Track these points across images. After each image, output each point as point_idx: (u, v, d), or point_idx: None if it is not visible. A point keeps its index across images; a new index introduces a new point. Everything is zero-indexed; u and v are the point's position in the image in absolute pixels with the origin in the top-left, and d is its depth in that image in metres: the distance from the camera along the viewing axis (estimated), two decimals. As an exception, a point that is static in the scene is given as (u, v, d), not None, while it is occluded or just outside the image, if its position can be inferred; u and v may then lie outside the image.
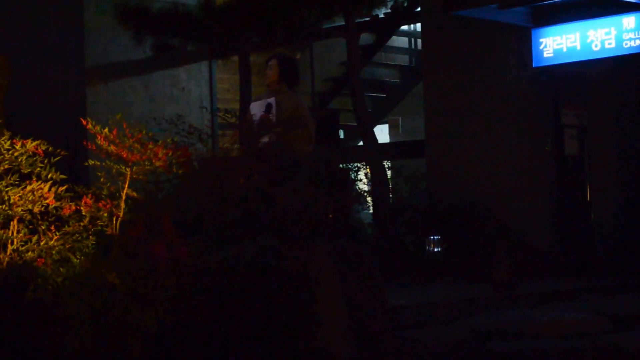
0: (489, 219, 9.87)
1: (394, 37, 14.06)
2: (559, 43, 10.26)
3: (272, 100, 7.49)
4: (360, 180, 10.81)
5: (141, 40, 11.12)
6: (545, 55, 10.38)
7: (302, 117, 7.53)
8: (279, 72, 7.70)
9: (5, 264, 5.07)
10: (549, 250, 10.24)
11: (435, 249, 10.13)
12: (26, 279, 5.07)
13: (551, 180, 10.52)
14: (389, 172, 10.88)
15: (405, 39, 15.02)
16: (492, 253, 8.72)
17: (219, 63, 12.63)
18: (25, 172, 5.32)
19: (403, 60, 15.08)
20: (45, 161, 5.39)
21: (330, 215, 6.28)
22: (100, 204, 5.37)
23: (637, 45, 9.73)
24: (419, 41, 13.68)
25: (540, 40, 10.39)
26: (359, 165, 10.86)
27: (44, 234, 5.35)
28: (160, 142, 5.50)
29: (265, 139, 6.75)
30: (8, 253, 5.15)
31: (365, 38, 12.71)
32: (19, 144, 5.25)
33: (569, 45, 10.19)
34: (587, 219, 10.44)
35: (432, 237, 10.12)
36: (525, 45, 10.51)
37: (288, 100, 7.56)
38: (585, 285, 9.31)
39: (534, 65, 10.46)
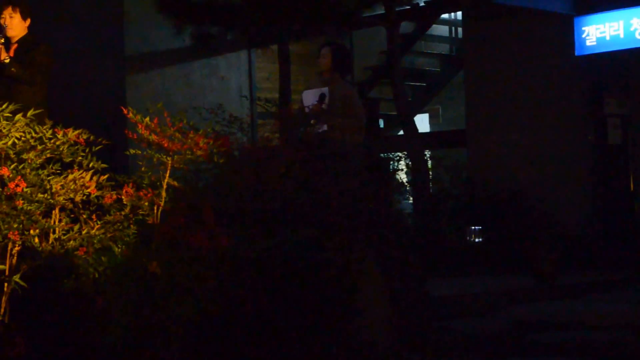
0: (531, 209, 9.80)
1: (434, 26, 13.96)
2: (602, 31, 10.14)
3: (325, 90, 7.42)
4: (401, 170, 10.75)
5: (181, 30, 11.12)
6: (587, 43, 10.26)
7: (354, 107, 7.49)
8: (332, 60, 7.63)
9: (47, 252, 5.09)
10: (591, 241, 10.14)
11: (477, 240, 10.07)
12: (67, 268, 5.08)
13: (594, 170, 10.43)
14: (429, 162, 10.82)
15: (446, 28, 14.92)
16: (534, 243, 8.65)
17: (258, 52, 12.60)
18: (67, 161, 5.33)
19: (443, 48, 14.99)
20: (87, 150, 5.40)
21: (371, 206, 6.25)
22: (141, 193, 5.37)
23: (682, 33, 9.61)
24: (460, 29, 13.60)
25: (583, 28, 10.28)
26: (399, 155, 10.81)
27: (86, 223, 5.36)
28: (201, 131, 5.49)
29: (320, 129, 6.73)
30: (50, 242, 5.16)
31: (406, 26, 12.64)
32: (61, 133, 5.26)
33: (612, 33, 10.07)
34: (631, 209, 10.34)
35: (473, 228, 10.07)
36: (567, 34, 10.40)
37: (341, 90, 7.51)
38: (629, 276, 9.22)
39: (576, 54, 10.35)
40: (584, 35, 10.28)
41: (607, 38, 10.11)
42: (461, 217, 10.20)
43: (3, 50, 6.87)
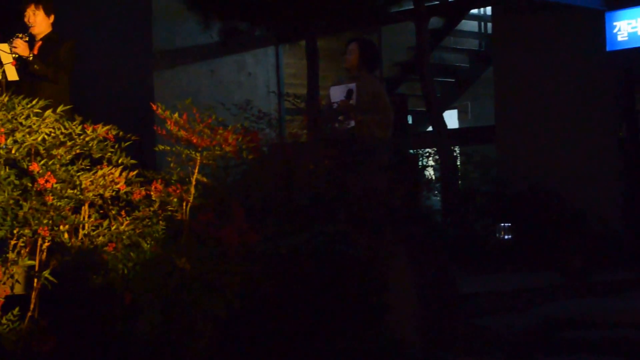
0: (561, 205, 9.73)
1: (463, 21, 13.88)
2: (633, 26, 10.06)
3: (353, 86, 7.39)
4: (430, 166, 10.71)
5: (208, 25, 11.12)
6: (619, 38, 10.17)
7: (382, 103, 7.46)
8: (359, 56, 7.59)
9: (76, 248, 5.09)
10: (622, 238, 10.06)
11: (506, 236, 10.01)
12: (96, 264, 5.09)
13: (625, 166, 10.34)
14: (458, 159, 10.77)
15: (475, 23, 14.84)
16: (564, 240, 8.60)
17: (286, 48, 12.59)
18: (96, 157, 5.32)
19: (473, 44, 14.91)
20: (116, 146, 5.39)
21: (400, 202, 6.23)
22: (170, 189, 5.36)
23: None
24: (489, 25, 13.52)
25: (614, 23, 10.19)
26: (428, 151, 10.77)
27: (115, 218, 5.36)
28: (230, 127, 5.47)
29: (348, 125, 6.71)
30: (79, 238, 5.16)
31: (435, 22, 12.57)
32: (90, 129, 5.26)
33: (644, 28, 10.00)
34: (663, 206, 10.26)
35: (502, 224, 10.01)
36: (598, 29, 10.32)
37: (368, 86, 7.48)
38: (661, 273, 9.15)
39: (607, 49, 10.27)
40: (615, 31, 10.19)
41: (639, 33, 10.03)
42: (490, 214, 10.15)
43: (26, 48, 6.88)
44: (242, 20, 11.17)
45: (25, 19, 7.03)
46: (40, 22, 7.05)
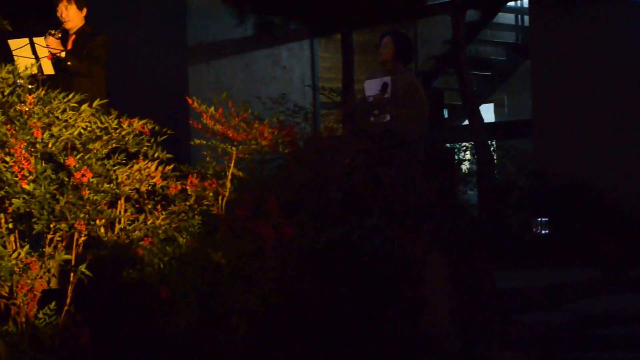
0: (599, 200, 9.63)
1: (500, 14, 13.78)
2: (676, 18, 9.95)
3: (388, 79, 7.36)
4: (466, 160, 10.64)
5: (243, 19, 11.11)
6: (660, 30, 10.07)
7: (417, 97, 7.43)
8: (394, 50, 7.56)
9: (112, 242, 5.10)
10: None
11: (543, 231, 9.93)
12: (131, 258, 5.09)
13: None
14: (494, 153, 10.70)
15: (512, 16, 14.72)
16: (602, 235, 8.51)
17: (321, 41, 12.55)
18: (132, 151, 5.33)
19: (509, 37, 14.80)
20: (152, 140, 5.39)
21: (436, 196, 6.20)
22: (206, 184, 5.36)
23: None
24: (526, 17, 13.41)
25: (657, 15, 10.09)
26: (465, 145, 10.70)
27: (151, 213, 5.37)
28: (266, 121, 5.46)
29: (384, 119, 6.69)
30: (115, 232, 5.17)
31: (471, 15, 12.48)
32: (126, 123, 5.26)
33: (689, 19, 9.89)
34: None
35: (539, 219, 9.93)
36: (639, 20, 10.20)
37: (403, 80, 7.45)
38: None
39: (649, 41, 10.17)
40: (656, 22, 10.09)
41: (680, 24, 9.93)
42: (527, 209, 10.07)
43: (59, 44, 6.90)
44: (276, 14, 11.15)
45: (58, 14, 7.05)
46: (72, 16, 7.07)
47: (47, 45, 6.78)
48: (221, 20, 11.65)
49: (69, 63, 6.84)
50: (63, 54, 6.87)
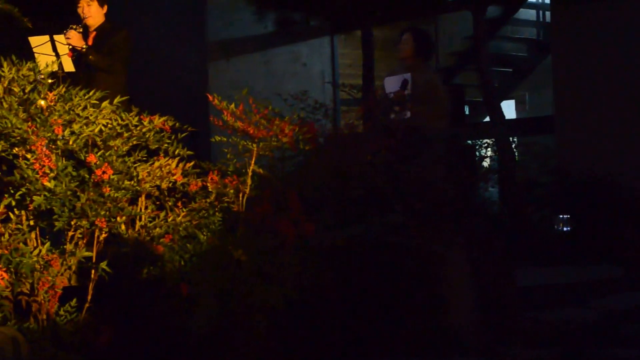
0: (622, 196, 9.57)
1: (521, 10, 13.74)
2: (697, 13, 9.88)
3: (408, 76, 7.33)
4: (487, 157, 10.60)
5: (263, 16, 11.11)
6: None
7: (437, 93, 7.40)
8: (413, 46, 7.53)
9: (133, 240, 5.09)
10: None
11: (565, 228, 9.87)
12: (152, 255, 5.09)
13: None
14: (515, 149, 10.65)
15: (533, 11, 14.66)
16: (625, 232, 8.46)
17: (341, 37, 12.53)
18: (153, 148, 5.33)
19: (530, 33, 14.74)
20: (172, 137, 5.39)
21: (457, 193, 6.17)
22: (226, 181, 5.36)
23: None
24: (548, 13, 13.35)
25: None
26: (487, 141, 10.67)
27: (171, 210, 5.37)
28: (286, 117, 5.44)
29: (405, 115, 6.66)
30: (136, 229, 5.17)
31: (492, 11, 12.44)
32: (147, 120, 5.26)
33: None
34: None
35: (561, 216, 9.87)
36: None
37: (423, 76, 7.41)
38: None
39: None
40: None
41: None
42: (549, 206, 10.02)
43: (81, 39, 6.91)
44: (296, 10, 11.15)
45: (79, 10, 7.06)
46: (94, 13, 7.08)
47: (68, 39, 6.79)
48: (241, 17, 11.65)
49: (91, 57, 6.85)
50: (84, 49, 6.88)
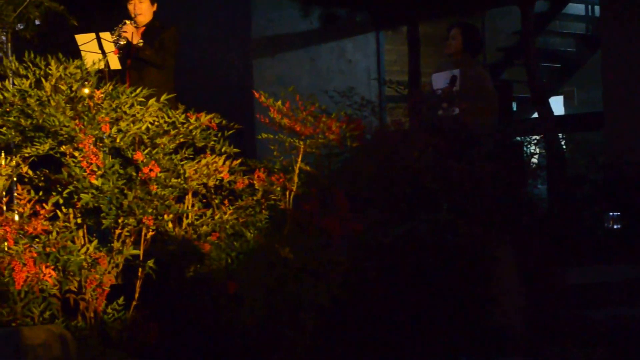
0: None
1: (569, 4, 13.59)
2: None
3: (456, 72, 7.28)
4: (535, 154, 10.50)
5: (308, 12, 11.07)
6: None
7: (486, 90, 7.34)
8: (462, 42, 7.47)
9: (180, 237, 5.09)
10: None
11: (615, 226, 9.75)
12: (198, 253, 5.09)
13: None
14: (564, 146, 10.54)
15: (582, 6, 14.49)
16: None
17: (387, 33, 12.47)
18: (200, 145, 5.33)
19: (579, 28, 14.57)
20: (219, 135, 5.38)
21: (506, 190, 6.10)
22: (273, 178, 5.34)
23: None
24: (597, 8, 13.19)
25: None
26: (536, 138, 10.57)
27: (218, 208, 5.36)
28: (333, 114, 5.41)
29: (453, 112, 6.61)
30: (183, 227, 5.17)
31: (540, 5, 12.31)
32: (193, 118, 5.26)
33: None
34: None
35: (611, 214, 9.75)
36: None
37: (472, 72, 7.36)
38: None
39: None
40: None
41: None
42: (598, 203, 9.89)
43: (136, 34, 6.95)
44: (342, 6, 11.10)
45: (131, 7, 7.09)
46: (145, 10, 7.13)
47: (124, 32, 6.85)
48: (286, 13, 11.62)
49: (147, 53, 6.89)
50: (141, 43, 6.92)
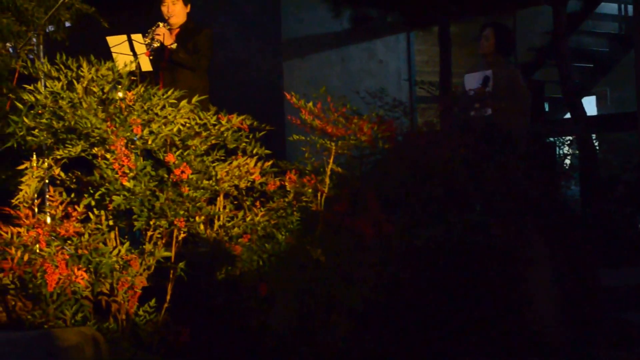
0: None
1: (602, 4, 13.45)
2: None
3: (489, 73, 7.24)
4: (568, 155, 10.42)
5: (338, 12, 11.05)
6: None
7: (519, 90, 7.29)
8: (495, 42, 7.43)
9: (211, 239, 5.08)
10: None
11: (649, 228, 9.67)
12: (230, 255, 5.07)
13: None
14: (597, 146, 10.46)
15: (615, 5, 14.37)
16: None
17: (418, 34, 12.42)
18: (231, 147, 5.32)
19: (612, 27, 14.44)
20: (250, 136, 5.37)
21: (539, 191, 6.05)
22: (304, 180, 5.32)
23: None
24: (630, 7, 13.08)
25: None
26: (568, 138, 10.49)
27: (249, 209, 5.34)
28: (365, 116, 5.38)
29: (485, 113, 6.58)
30: (215, 229, 5.16)
31: (572, 5, 12.21)
32: (225, 119, 5.25)
33: None
34: None
35: (645, 215, 9.67)
36: None
37: (505, 72, 7.32)
38: None
39: None
40: None
41: None
42: (632, 204, 9.80)
43: (169, 36, 6.95)
44: (372, 7, 11.07)
45: (164, 9, 7.09)
46: (178, 11, 7.12)
47: (157, 35, 6.85)
48: (316, 14, 11.59)
49: (181, 55, 6.89)
50: (174, 46, 6.92)
